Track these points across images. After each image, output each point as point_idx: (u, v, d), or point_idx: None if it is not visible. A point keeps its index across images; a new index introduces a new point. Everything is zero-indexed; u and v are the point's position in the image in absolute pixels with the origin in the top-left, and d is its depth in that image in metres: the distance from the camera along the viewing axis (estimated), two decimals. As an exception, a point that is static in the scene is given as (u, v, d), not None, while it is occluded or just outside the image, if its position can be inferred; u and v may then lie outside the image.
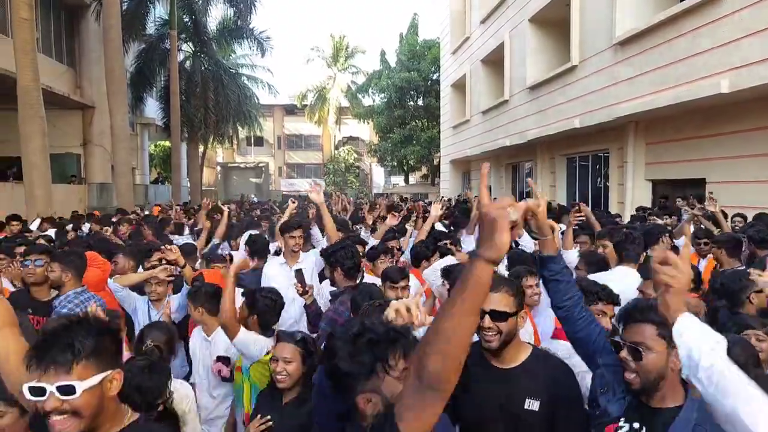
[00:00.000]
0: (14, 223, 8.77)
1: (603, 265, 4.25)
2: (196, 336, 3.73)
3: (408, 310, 1.77)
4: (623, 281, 3.66)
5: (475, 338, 2.32)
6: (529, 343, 2.46)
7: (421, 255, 4.82)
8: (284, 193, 40.95)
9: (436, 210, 6.25)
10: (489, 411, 2.23)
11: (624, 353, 1.98)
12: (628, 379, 1.99)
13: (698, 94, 8.32)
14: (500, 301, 2.25)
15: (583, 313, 2.32)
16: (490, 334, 2.24)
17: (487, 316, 2.23)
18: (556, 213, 9.10)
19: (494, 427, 2.22)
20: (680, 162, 10.03)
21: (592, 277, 3.85)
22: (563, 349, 2.75)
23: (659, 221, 6.95)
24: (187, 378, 3.73)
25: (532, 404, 2.18)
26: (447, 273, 3.67)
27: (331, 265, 3.93)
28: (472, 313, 1.32)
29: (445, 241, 6.14)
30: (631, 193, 11.28)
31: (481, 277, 1.31)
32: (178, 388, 2.66)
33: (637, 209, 9.91)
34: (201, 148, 27.82)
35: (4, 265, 4.97)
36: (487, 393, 2.22)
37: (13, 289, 4.65)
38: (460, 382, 1.74)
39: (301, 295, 3.81)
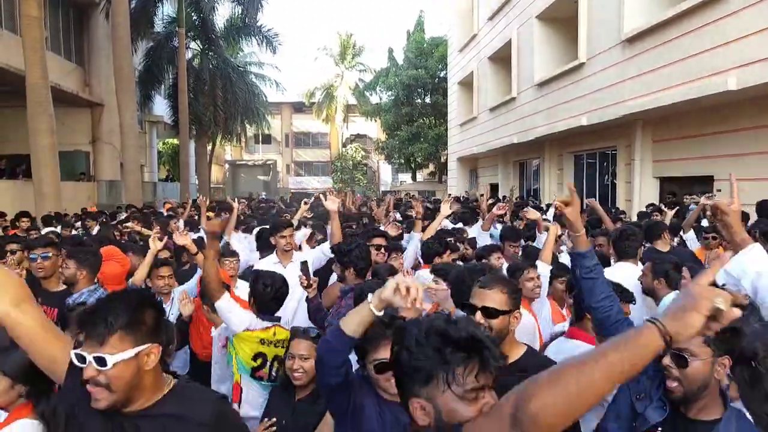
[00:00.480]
0: (24, 219, 8.87)
1: (603, 262, 4.24)
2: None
3: (408, 290, 1.70)
4: (624, 278, 3.65)
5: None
6: (524, 343, 2.45)
7: (433, 251, 4.84)
8: (292, 190, 41.04)
9: (445, 209, 6.26)
10: None
11: (667, 360, 1.86)
12: (670, 387, 1.88)
13: (706, 92, 8.26)
14: (493, 298, 2.25)
15: (620, 316, 2.27)
16: None
17: (478, 312, 2.24)
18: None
19: None
20: (688, 159, 9.97)
21: None
22: (574, 349, 2.67)
23: (667, 211, 6.90)
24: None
25: None
26: (441, 272, 3.68)
27: (344, 264, 3.96)
28: (614, 379, 1.10)
29: (450, 238, 6.15)
30: (638, 191, 11.23)
31: (647, 344, 1.10)
32: None
33: (648, 206, 9.84)
34: (209, 146, 27.93)
35: None
36: None
37: None
38: None
39: (305, 287, 3.83)
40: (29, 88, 11.95)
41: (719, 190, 8.97)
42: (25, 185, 14.45)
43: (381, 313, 1.84)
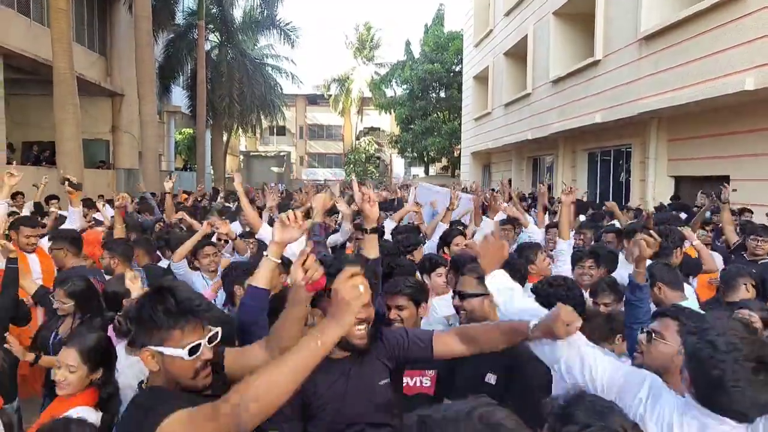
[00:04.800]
0: (53, 202, 9.16)
1: (614, 259, 4.27)
2: None
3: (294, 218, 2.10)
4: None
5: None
6: None
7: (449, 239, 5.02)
8: (305, 182, 41.25)
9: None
10: (459, 382, 2.50)
11: (641, 335, 2.20)
12: (635, 356, 2.22)
13: (723, 91, 8.31)
14: (465, 283, 2.60)
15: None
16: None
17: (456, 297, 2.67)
18: (576, 208, 9.14)
19: (463, 398, 2.26)
20: (703, 159, 10.03)
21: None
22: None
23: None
24: None
25: (491, 378, 2.39)
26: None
27: None
28: (299, 378, 1.42)
29: (457, 227, 6.28)
30: (652, 189, 11.30)
31: (314, 347, 1.43)
32: None
33: (656, 208, 9.90)
34: (225, 137, 28.22)
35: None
36: (460, 366, 2.44)
37: None
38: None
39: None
40: (56, 79, 12.18)
41: (735, 190, 9.03)
42: (49, 172, 14.76)
43: (279, 260, 2.13)
